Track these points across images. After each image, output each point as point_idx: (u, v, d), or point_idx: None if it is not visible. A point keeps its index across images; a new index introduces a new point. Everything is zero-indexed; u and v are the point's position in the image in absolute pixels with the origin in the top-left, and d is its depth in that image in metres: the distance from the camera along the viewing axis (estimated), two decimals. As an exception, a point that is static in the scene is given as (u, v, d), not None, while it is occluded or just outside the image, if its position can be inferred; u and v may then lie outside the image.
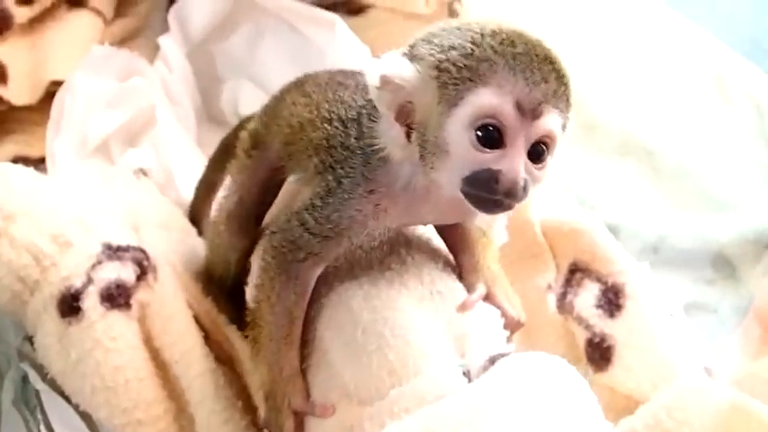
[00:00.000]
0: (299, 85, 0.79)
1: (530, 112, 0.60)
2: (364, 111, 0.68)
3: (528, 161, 0.61)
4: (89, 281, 0.77)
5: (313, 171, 0.70)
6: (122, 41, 1.13)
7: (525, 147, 0.61)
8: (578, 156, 1.19)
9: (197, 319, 0.81)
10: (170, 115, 1.05)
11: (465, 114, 0.60)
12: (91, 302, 0.76)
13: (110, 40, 1.10)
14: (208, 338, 0.81)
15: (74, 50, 1.04)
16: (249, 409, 0.77)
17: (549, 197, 1.01)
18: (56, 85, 1.02)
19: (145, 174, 1.02)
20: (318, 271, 0.71)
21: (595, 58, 1.30)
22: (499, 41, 0.60)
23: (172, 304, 0.79)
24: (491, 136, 0.60)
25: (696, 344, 0.91)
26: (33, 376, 0.81)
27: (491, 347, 0.70)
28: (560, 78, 0.61)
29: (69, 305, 0.76)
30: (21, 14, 1.05)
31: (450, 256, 0.78)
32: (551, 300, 0.92)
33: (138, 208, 0.88)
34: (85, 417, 0.78)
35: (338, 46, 1.09)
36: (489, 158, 0.60)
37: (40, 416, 0.81)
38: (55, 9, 1.08)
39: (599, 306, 0.88)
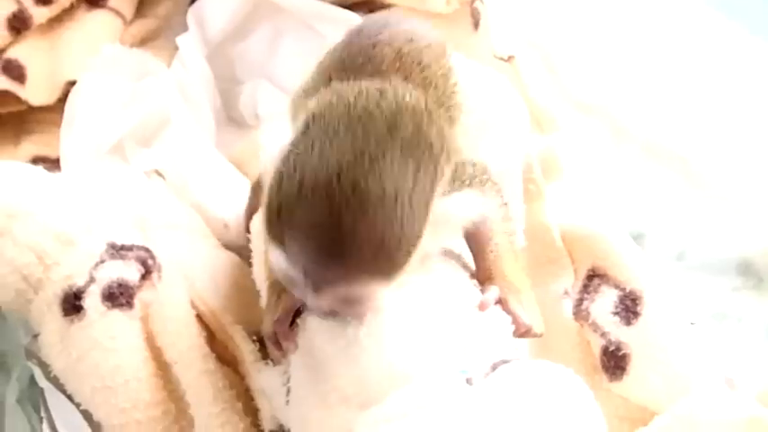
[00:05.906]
0: None
1: (319, 282, 0.61)
2: None
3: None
4: (91, 280, 0.76)
5: None
6: (142, 42, 1.13)
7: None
8: (604, 160, 1.16)
9: (202, 320, 0.80)
10: (186, 116, 1.04)
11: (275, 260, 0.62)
12: (92, 301, 0.75)
13: (129, 41, 1.10)
14: (213, 339, 0.80)
15: (91, 51, 1.04)
16: (249, 411, 0.76)
17: (568, 201, 0.98)
18: (73, 85, 1.02)
19: (160, 175, 1.02)
20: None
21: (628, 60, 1.27)
22: (291, 213, 0.59)
23: (174, 304, 0.78)
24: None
25: (718, 354, 0.87)
26: (39, 374, 0.81)
27: (497, 354, 0.68)
28: (359, 252, 0.59)
29: (72, 304, 0.76)
30: (40, 15, 1.05)
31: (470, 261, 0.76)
32: (568, 306, 0.89)
33: (146, 208, 0.88)
34: (87, 416, 0.77)
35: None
36: (297, 291, 0.64)
37: (43, 414, 0.80)
38: (74, 9, 1.08)
39: (616, 313, 0.85)
